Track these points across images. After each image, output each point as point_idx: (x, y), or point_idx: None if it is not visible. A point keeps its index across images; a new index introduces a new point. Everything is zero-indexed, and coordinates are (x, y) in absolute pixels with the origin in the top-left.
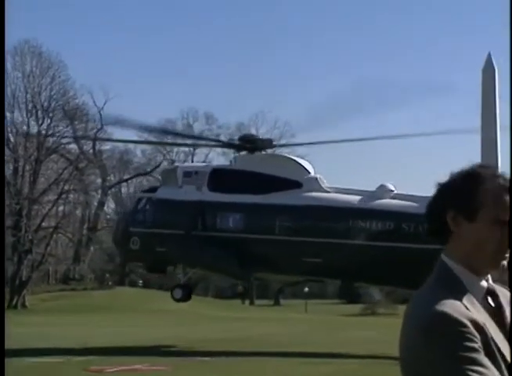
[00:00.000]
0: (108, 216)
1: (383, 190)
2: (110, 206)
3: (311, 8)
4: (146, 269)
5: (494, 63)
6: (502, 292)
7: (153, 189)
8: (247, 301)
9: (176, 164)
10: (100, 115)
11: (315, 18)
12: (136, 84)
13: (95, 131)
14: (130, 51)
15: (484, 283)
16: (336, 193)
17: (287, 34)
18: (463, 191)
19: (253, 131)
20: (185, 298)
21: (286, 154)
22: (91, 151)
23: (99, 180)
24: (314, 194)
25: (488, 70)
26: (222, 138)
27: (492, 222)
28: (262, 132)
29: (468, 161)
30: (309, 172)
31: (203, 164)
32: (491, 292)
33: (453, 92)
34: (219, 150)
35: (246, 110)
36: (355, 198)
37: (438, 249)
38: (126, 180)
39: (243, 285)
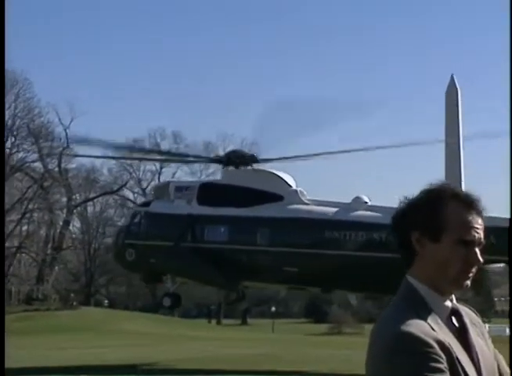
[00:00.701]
0: (73, 235)
1: (357, 202)
2: (76, 225)
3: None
4: (142, 280)
5: (457, 84)
6: (466, 312)
7: (148, 204)
8: (214, 321)
9: (168, 179)
10: (66, 133)
11: (279, 33)
12: (103, 103)
13: (60, 149)
14: (97, 69)
15: (448, 303)
16: (315, 205)
17: (248, 53)
18: (426, 213)
19: (220, 151)
20: (175, 305)
21: (268, 169)
22: (56, 169)
23: (65, 199)
24: (293, 207)
25: (452, 92)
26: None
27: (456, 242)
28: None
29: (434, 171)
30: (290, 186)
31: (194, 179)
32: (455, 312)
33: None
34: (186, 168)
35: (213, 129)
36: (332, 210)
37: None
38: (92, 199)
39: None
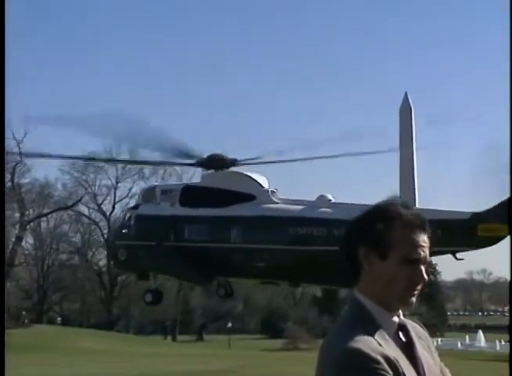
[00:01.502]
0: (26, 252)
1: (321, 200)
2: (29, 241)
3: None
4: (136, 277)
5: (410, 102)
6: (413, 326)
7: (137, 207)
8: (169, 337)
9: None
10: (19, 148)
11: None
12: (57, 116)
13: (13, 164)
14: (51, 82)
15: (395, 319)
16: (284, 203)
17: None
18: (374, 230)
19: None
20: (156, 300)
21: (244, 172)
22: (9, 184)
23: (17, 214)
24: (264, 206)
25: (405, 109)
26: (146, 172)
27: (402, 260)
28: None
29: (389, 180)
30: (263, 186)
31: (178, 183)
32: (402, 327)
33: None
34: (142, 183)
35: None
36: (297, 208)
37: None
38: (46, 215)
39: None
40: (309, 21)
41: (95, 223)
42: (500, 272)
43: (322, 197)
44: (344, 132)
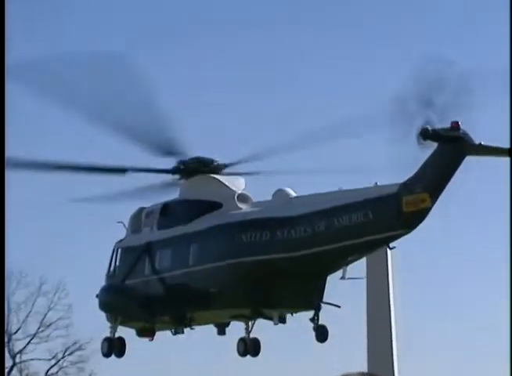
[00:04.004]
0: None
1: (280, 196)
2: None
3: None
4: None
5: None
6: None
7: (124, 239)
8: None
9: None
10: None
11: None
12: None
13: None
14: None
15: None
16: (250, 207)
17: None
18: None
19: None
20: (116, 353)
21: (213, 175)
22: None
23: None
24: (226, 214)
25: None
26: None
27: None
28: None
29: None
30: (233, 190)
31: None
32: None
33: None
34: None
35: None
36: (253, 210)
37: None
38: None
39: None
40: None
41: None
42: None
43: (280, 193)
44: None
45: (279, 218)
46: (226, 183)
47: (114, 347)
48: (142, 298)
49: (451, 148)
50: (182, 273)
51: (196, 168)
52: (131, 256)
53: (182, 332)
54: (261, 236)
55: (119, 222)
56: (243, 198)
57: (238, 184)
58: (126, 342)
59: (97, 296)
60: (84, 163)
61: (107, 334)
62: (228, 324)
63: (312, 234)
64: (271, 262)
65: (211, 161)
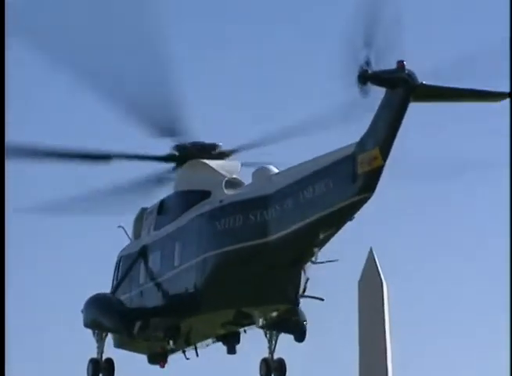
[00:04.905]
0: None
1: (261, 175)
2: None
3: None
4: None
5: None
6: None
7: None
8: None
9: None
10: None
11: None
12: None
13: None
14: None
15: None
16: (234, 191)
17: None
18: None
19: None
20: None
21: (203, 160)
22: None
23: None
24: (206, 203)
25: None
26: None
27: None
28: None
29: None
30: (223, 176)
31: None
32: None
33: None
34: None
35: None
36: (229, 195)
37: None
38: None
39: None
40: None
41: None
42: None
43: (259, 172)
44: None
45: (249, 200)
46: (216, 168)
47: (101, 370)
48: (126, 308)
49: (395, 92)
50: (165, 278)
51: (194, 154)
52: (127, 265)
53: (196, 354)
54: (234, 223)
55: (119, 227)
56: (232, 184)
57: (230, 168)
58: (115, 365)
59: (82, 311)
60: (58, 147)
61: (93, 354)
62: (236, 340)
63: (281, 214)
64: (242, 252)
65: (213, 147)
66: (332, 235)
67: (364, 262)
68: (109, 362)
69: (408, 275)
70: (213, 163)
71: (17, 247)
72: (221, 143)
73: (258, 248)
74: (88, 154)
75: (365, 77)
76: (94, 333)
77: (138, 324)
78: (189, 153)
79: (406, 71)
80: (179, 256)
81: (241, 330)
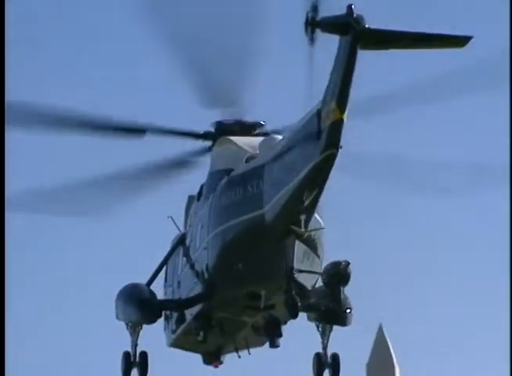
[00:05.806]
0: None
1: (267, 145)
2: None
3: None
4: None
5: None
6: None
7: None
8: None
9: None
10: None
11: None
12: None
13: None
14: None
15: None
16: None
17: None
18: None
19: None
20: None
21: (230, 137)
22: None
23: None
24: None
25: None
26: None
27: None
28: None
29: None
30: (245, 152)
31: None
32: None
33: None
34: None
35: None
36: (238, 168)
37: None
38: None
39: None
40: None
41: None
42: None
43: (265, 141)
44: None
45: (248, 172)
46: (241, 145)
47: (135, 364)
48: (154, 299)
49: (344, 40)
50: (188, 266)
51: (232, 132)
52: (169, 255)
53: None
54: (235, 196)
55: (169, 217)
56: (249, 159)
57: (256, 144)
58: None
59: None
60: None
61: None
62: (278, 333)
63: (269, 183)
64: (242, 226)
65: (255, 126)
66: (315, 201)
67: (373, 340)
68: (143, 355)
69: (423, 354)
70: (239, 139)
71: (17, 247)
72: (263, 123)
73: (256, 221)
74: (122, 126)
75: (313, 24)
76: (127, 325)
77: (174, 317)
78: (228, 131)
79: (354, 15)
80: (197, 241)
81: (282, 322)
